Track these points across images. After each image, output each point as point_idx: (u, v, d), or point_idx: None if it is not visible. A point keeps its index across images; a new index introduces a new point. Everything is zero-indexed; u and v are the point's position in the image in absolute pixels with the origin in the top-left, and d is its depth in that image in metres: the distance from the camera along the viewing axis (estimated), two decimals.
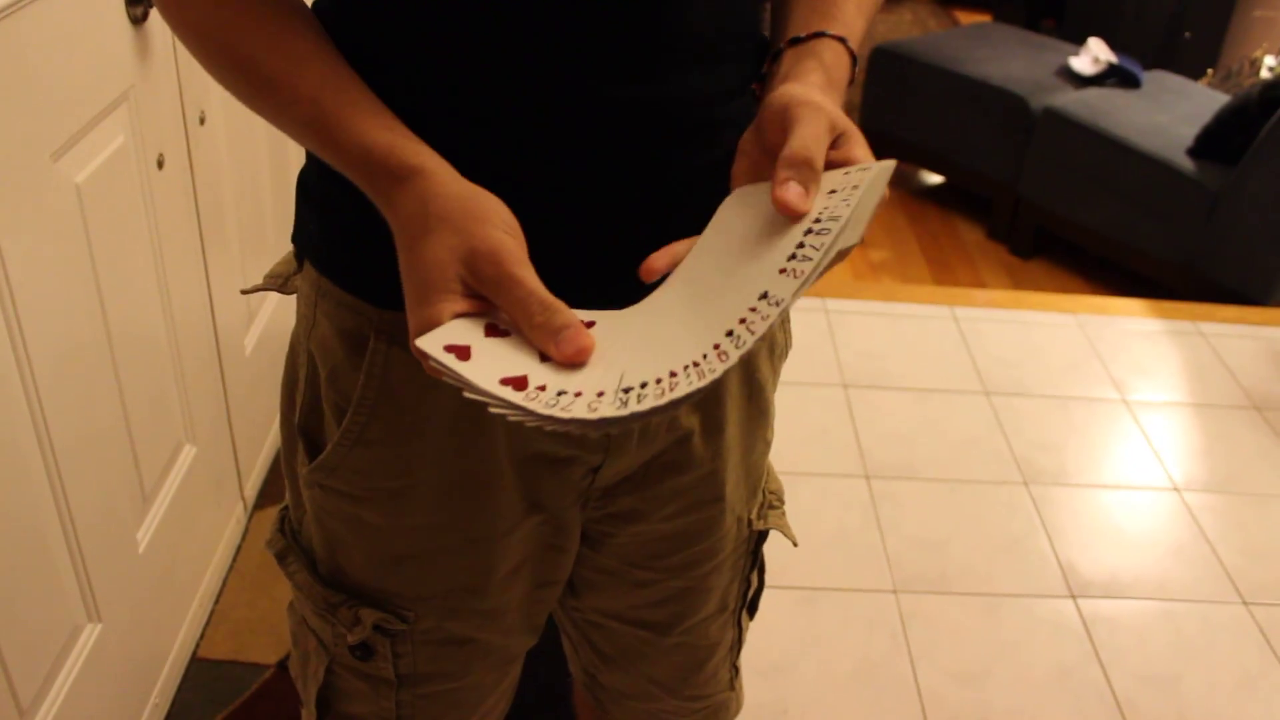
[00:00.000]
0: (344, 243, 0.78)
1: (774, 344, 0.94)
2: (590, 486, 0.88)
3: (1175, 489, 2.47)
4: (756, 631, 2.00)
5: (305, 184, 0.82)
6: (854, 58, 0.76)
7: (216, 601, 1.91)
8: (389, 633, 0.89)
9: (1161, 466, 2.54)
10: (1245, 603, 2.17)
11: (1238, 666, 2.02)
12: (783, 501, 1.05)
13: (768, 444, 1.00)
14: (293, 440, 0.88)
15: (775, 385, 0.97)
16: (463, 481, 0.82)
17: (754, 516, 1.00)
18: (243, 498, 2.05)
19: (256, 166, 2.01)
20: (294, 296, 0.88)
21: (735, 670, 1.11)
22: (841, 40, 0.74)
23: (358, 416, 0.79)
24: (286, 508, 0.93)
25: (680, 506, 0.92)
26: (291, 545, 0.92)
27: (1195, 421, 2.73)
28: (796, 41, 0.74)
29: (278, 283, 0.90)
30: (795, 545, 1.09)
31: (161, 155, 1.57)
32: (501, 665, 0.97)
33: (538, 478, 0.84)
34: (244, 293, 0.97)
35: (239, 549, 2.01)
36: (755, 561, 1.04)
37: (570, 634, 1.08)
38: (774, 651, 1.96)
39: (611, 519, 0.92)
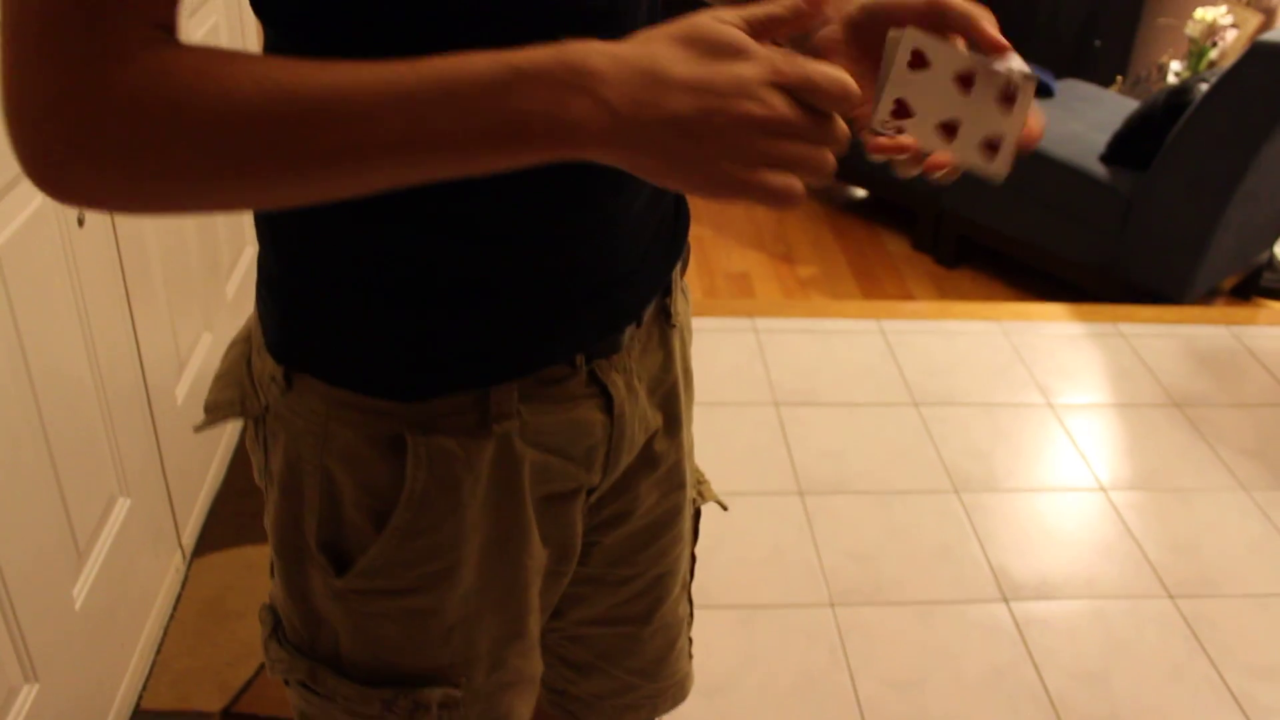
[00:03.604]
0: (358, 350, 0.78)
1: (685, 330, 1.00)
2: (585, 507, 0.92)
3: (1101, 489, 2.54)
4: (697, 651, 2.01)
5: (290, 293, 0.79)
6: None
7: (158, 652, 1.91)
8: (445, 704, 0.90)
9: (1088, 467, 2.61)
10: (1171, 596, 2.23)
11: (1166, 659, 2.08)
12: (705, 477, 1.12)
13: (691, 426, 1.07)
14: (302, 563, 0.85)
15: None
16: (499, 537, 0.85)
17: (696, 495, 1.07)
18: (180, 546, 2.05)
19: (181, 216, 2.01)
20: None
21: (690, 642, 1.18)
22: None
23: (406, 512, 0.80)
24: (279, 630, 0.91)
25: (656, 499, 0.98)
26: (316, 664, 0.89)
27: (1119, 421, 2.80)
28: None
29: (233, 410, 0.86)
30: (725, 509, 1.16)
31: (82, 213, 1.58)
32: (531, 693, 1.00)
33: (550, 515, 0.88)
34: (198, 430, 0.94)
35: (179, 598, 2.01)
36: (697, 536, 1.11)
37: None
38: (715, 670, 1.99)
39: (598, 528, 0.97)
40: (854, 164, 4.12)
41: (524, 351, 0.79)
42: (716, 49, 0.60)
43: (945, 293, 3.74)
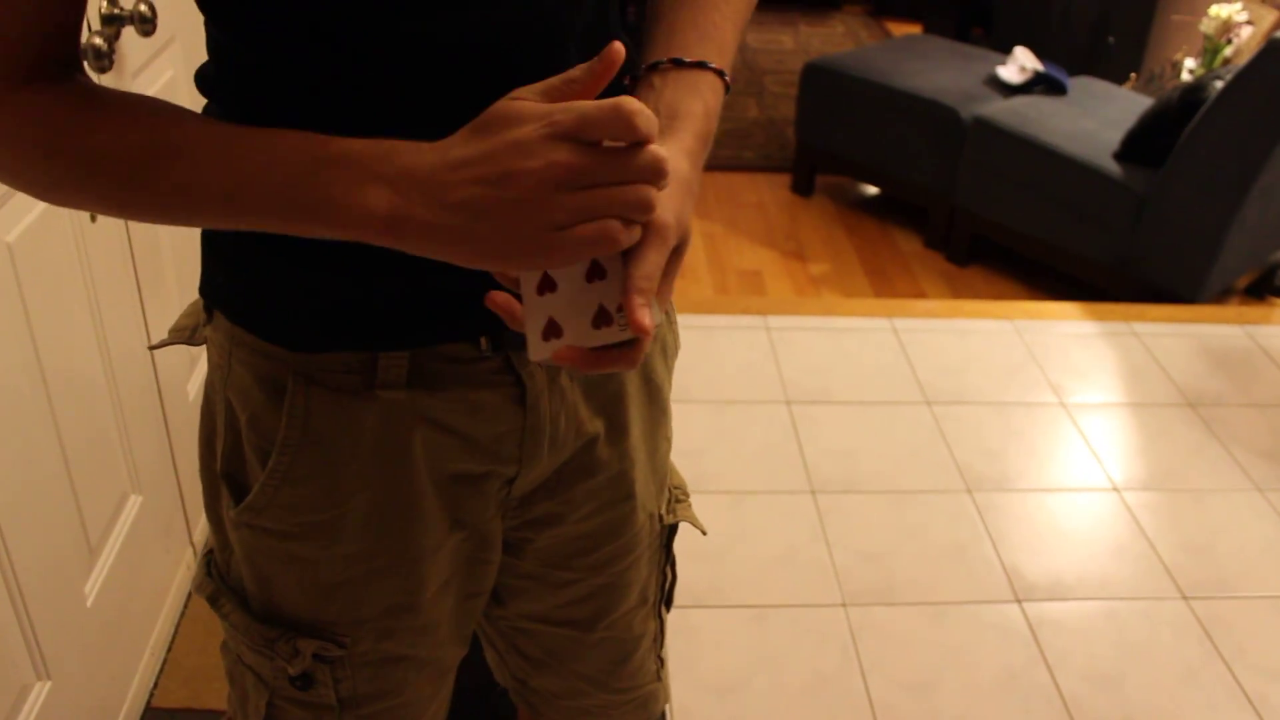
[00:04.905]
0: (256, 294, 0.81)
1: (665, 345, 1.00)
2: (507, 497, 0.92)
3: (1115, 489, 2.53)
4: (709, 650, 2.02)
5: (211, 238, 0.85)
6: (728, 89, 0.79)
7: (169, 649, 1.91)
8: (327, 659, 0.92)
9: (1100, 467, 2.60)
10: (1185, 597, 2.22)
11: (1179, 661, 2.07)
12: (688, 495, 1.10)
13: (669, 442, 1.05)
14: (215, 486, 0.90)
15: (670, 384, 1.02)
16: (388, 507, 0.86)
17: (664, 512, 1.05)
18: (192, 544, 2.05)
19: None
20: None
21: (660, 662, 1.16)
22: (720, 74, 0.78)
23: (283, 457, 0.83)
24: (211, 551, 0.96)
25: (594, 507, 0.97)
26: (222, 587, 0.94)
27: (1132, 421, 2.79)
28: (679, 63, 0.77)
29: (184, 335, 0.93)
30: (704, 534, 1.14)
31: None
32: (437, 677, 1.01)
33: (458, 496, 0.89)
34: (152, 349, 1.01)
35: (190, 595, 2.01)
36: (668, 555, 1.09)
37: (496, 644, 1.12)
38: (727, 670, 1.98)
39: (530, 525, 0.97)
40: (864, 161, 4.11)
41: (413, 324, 0.80)
42: (499, 123, 0.61)
43: (957, 291, 3.73)
